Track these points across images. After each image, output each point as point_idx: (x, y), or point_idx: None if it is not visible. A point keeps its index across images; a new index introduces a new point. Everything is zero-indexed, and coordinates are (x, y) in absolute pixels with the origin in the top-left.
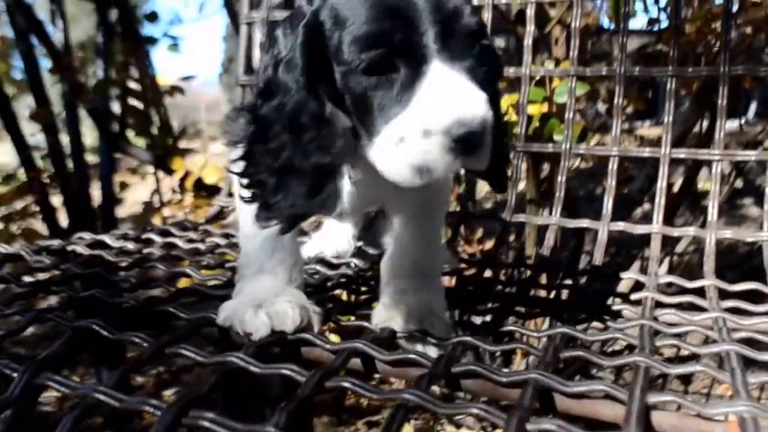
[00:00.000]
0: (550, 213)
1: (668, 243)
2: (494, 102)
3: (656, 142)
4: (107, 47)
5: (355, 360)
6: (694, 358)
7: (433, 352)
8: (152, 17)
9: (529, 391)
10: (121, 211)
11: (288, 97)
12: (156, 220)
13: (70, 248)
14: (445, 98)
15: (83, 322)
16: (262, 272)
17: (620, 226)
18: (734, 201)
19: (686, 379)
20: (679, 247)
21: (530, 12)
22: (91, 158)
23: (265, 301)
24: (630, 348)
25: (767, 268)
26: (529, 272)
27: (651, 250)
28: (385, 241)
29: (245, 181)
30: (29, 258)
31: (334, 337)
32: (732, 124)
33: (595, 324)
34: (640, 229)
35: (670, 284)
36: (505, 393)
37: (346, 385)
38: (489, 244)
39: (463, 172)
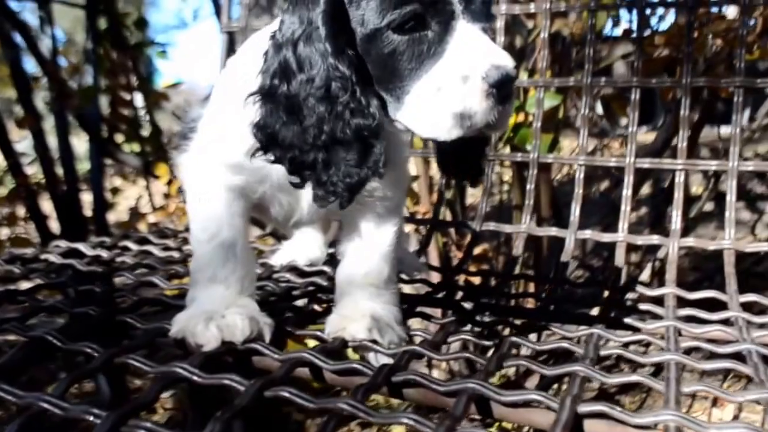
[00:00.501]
0: (538, 224)
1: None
2: None
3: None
4: (96, 54)
5: (304, 369)
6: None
7: (383, 359)
8: (140, 24)
9: (462, 401)
10: (114, 216)
11: (316, 70)
12: (142, 226)
13: (43, 257)
14: (480, 46)
15: (38, 332)
16: (214, 281)
17: (587, 234)
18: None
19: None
20: (661, 253)
21: (500, 24)
22: (82, 164)
23: (215, 313)
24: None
25: (727, 276)
26: (494, 280)
27: (616, 258)
28: (340, 251)
29: (291, 167)
30: (0, 267)
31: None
32: (726, 129)
33: (557, 331)
34: (606, 238)
35: (633, 292)
36: (444, 401)
37: (285, 394)
38: (478, 249)
39: (443, 180)
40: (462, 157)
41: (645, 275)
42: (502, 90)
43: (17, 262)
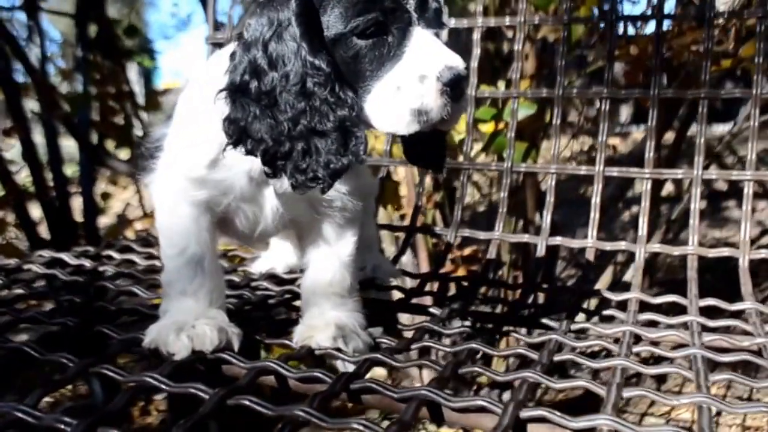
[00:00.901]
0: (525, 228)
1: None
2: None
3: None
4: (86, 61)
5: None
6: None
7: (350, 367)
8: (131, 32)
9: (412, 406)
10: (106, 219)
11: (290, 66)
12: (129, 233)
13: (27, 267)
14: (434, 50)
15: (15, 343)
16: (185, 294)
17: (557, 240)
18: (719, 203)
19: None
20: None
21: (476, 36)
22: (71, 165)
23: (186, 324)
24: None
25: (690, 281)
26: (465, 284)
27: (587, 264)
28: (303, 262)
29: (264, 158)
30: None
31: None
32: (725, 127)
33: (519, 337)
34: (575, 243)
35: (602, 298)
36: (399, 407)
37: (246, 402)
38: (468, 250)
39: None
40: (425, 148)
41: (628, 276)
42: (455, 88)
43: (0, 272)
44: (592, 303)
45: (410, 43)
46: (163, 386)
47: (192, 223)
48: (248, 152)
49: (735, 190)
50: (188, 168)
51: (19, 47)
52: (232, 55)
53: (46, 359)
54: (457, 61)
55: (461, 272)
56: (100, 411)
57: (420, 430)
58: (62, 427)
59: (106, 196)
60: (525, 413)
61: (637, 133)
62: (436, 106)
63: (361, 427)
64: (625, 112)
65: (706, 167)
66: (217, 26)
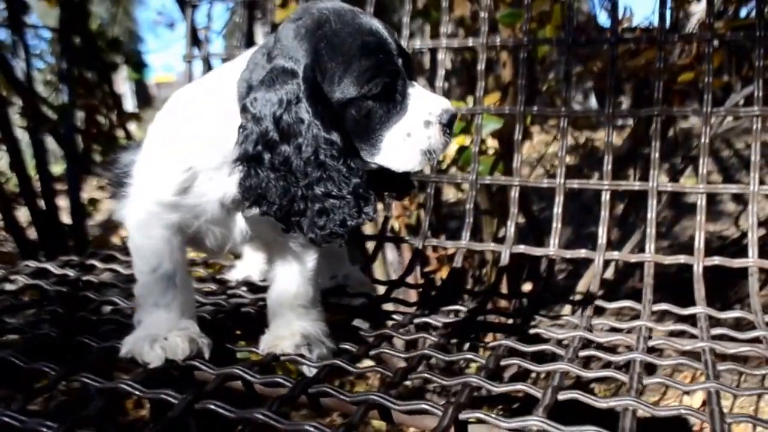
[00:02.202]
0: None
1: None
2: None
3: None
4: (70, 73)
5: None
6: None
7: (313, 373)
8: (115, 45)
9: (361, 409)
10: (94, 221)
11: (302, 139)
12: (116, 239)
13: (12, 277)
14: (430, 99)
15: (1, 353)
16: (158, 307)
17: (521, 248)
18: (713, 197)
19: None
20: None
21: (441, 56)
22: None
23: (159, 336)
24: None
25: (645, 287)
26: (434, 293)
27: (546, 272)
28: (269, 276)
29: (278, 215)
30: None
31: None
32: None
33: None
34: (537, 252)
35: (559, 303)
36: (351, 409)
37: (211, 406)
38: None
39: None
40: (392, 178)
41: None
42: (450, 126)
43: None
44: (553, 309)
45: (410, 96)
46: (137, 392)
47: (164, 244)
48: (264, 213)
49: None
50: (161, 193)
51: (5, 61)
52: (242, 127)
53: (29, 368)
54: (449, 104)
55: (445, 270)
56: (77, 415)
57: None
58: (44, 430)
59: (93, 201)
60: (464, 415)
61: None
62: (439, 144)
63: (312, 429)
64: (625, 104)
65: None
66: (197, 42)
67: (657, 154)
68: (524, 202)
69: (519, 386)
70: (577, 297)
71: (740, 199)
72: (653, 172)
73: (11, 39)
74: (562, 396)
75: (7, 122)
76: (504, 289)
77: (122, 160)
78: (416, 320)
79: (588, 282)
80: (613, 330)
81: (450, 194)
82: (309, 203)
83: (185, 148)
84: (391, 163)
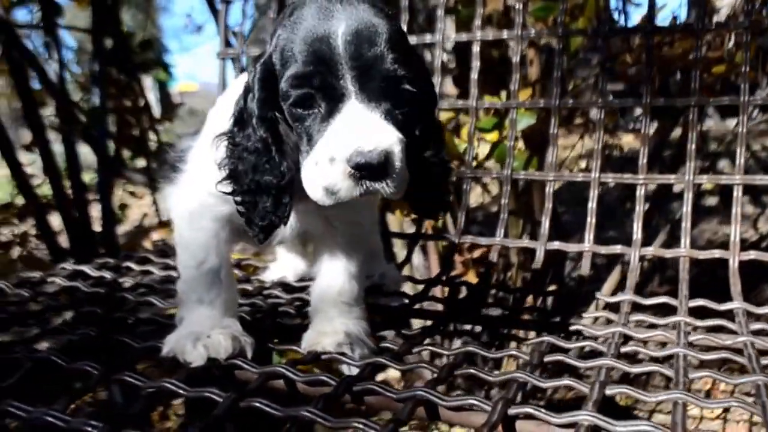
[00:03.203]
0: (533, 230)
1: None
2: (423, 137)
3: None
4: (102, 75)
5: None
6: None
7: (354, 371)
8: (145, 45)
9: (408, 405)
10: (124, 227)
11: (250, 127)
12: (147, 243)
13: (50, 280)
14: (349, 131)
15: (43, 353)
16: (201, 303)
17: (555, 245)
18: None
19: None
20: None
21: (476, 49)
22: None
23: (202, 334)
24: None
25: (680, 282)
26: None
27: (582, 267)
28: (313, 271)
29: (237, 199)
30: (9, 291)
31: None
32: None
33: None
34: (573, 248)
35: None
36: (397, 407)
37: (256, 404)
38: (477, 252)
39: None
40: (425, 201)
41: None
42: (368, 173)
43: (26, 285)
44: (590, 305)
45: (335, 119)
46: (181, 391)
47: (212, 237)
48: (230, 193)
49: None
50: (214, 184)
51: (38, 63)
52: (237, 100)
53: (71, 368)
54: (371, 146)
55: (471, 274)
56: (122, 415)
57: (433, 430)
58: (90, 430)
59: (123, 206)
60: (513, 410)
61: (652, 128)
62: (343, 187)
63: (360, 426)
64: (639, 108)
65: (713, 164)
66: (229, 41)
67: (693, 146)
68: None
69: (566, 381)
70: (611, 294)
71: (758, 202)
72: (689, 164)
73: (44, 41)
74: (610, 391)
75: (40, 126)
76: (536, 287)
77: (180, 144)
78: (456, 318)
79: (615, 280)
80: (652, 326)
81: (471, 198)
82: (247, 195)
83: None
84: (305, 185)
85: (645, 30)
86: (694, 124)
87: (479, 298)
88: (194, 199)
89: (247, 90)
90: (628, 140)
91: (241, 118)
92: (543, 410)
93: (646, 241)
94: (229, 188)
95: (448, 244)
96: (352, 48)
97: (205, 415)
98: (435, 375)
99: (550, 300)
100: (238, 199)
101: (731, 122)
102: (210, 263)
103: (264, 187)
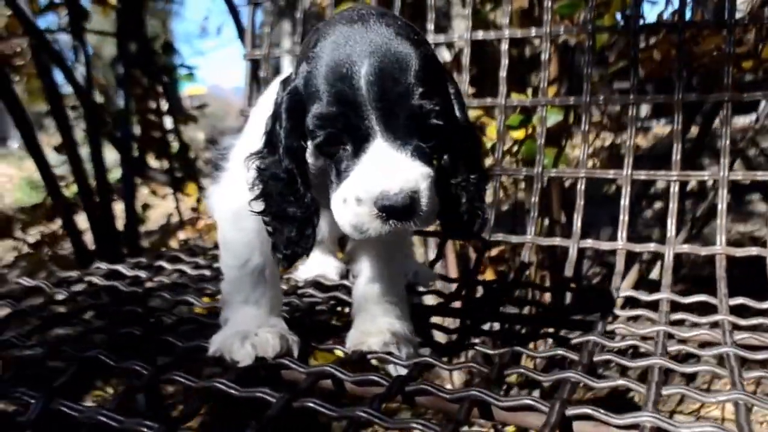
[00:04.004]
0: (551, 228)
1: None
2: (453, 163)
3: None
4: (127, 78)
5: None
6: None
7: (401, 371)
8: (167, 49)
9: (465, 406)
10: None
11: (277, 155)
12: (173, 242)
13: (87, 279)
14: (375, 172)
15: (92, 353)
16: (247, 303)
17: (588, 243)
18: (743, 197)
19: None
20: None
21: (504, 47)
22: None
23: (249, 333)
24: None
25: (719, 280)
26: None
27: (616, 265)
28: (356, 270)
29: (266, 220)
30: (48, 291)
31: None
32: (748, 118)
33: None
34: (605, 246)
35: (630, 298)
36: (451, 407)
37: (310, 405)
38: (495, 251)
39: None
40: (457, 223)
41: (654, 274)
42: (393, 213)
43: (63, 285)
44: (624, 303)
45: (362, 159)
46: (233, 391)
47: (255, 236)
48: (260, 212)
49: (757, 184)
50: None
51: (67, 67)
52: (269, 118)
53: (121, 367)
54: (397, 188)
55: (489, 273)
56: (174, 418)
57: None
58: (145, 430)
59: (146, 207)
60: (571, 411)
61: (658, 127)
62: (372, 227)
63: (420, 427)
64: (645, 107)
65: (730, 164)
66: (255, 43)
67: (727, 141)
68: (567, 202)
69: (621, 381)
70: (654, 292)
71: None
72: (723, 160)
73: (72, 44)
74: (666, 391)
75: (68, 127)
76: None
77: (223, 142)
78: (491, 317)
79: (633, 278)
80: (694, 325)
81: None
82: (273, 220)
83: None
84: (335, 216)
85: (677, 26)
86: (728, 120)
87: (509, 297)
88: (236, 199)
89: (275, 116)
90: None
91: (270, 141)
92: (602, 411)
93: (661, 239)
94: (259, 207)
95: (463, 243)
96: (375, 88)
97: (228, 416)
98: (486, 373)
99: (572, 297)
100: (267, 219)
101: (739, 120)
102: (254, 262)
103: (289, 216)
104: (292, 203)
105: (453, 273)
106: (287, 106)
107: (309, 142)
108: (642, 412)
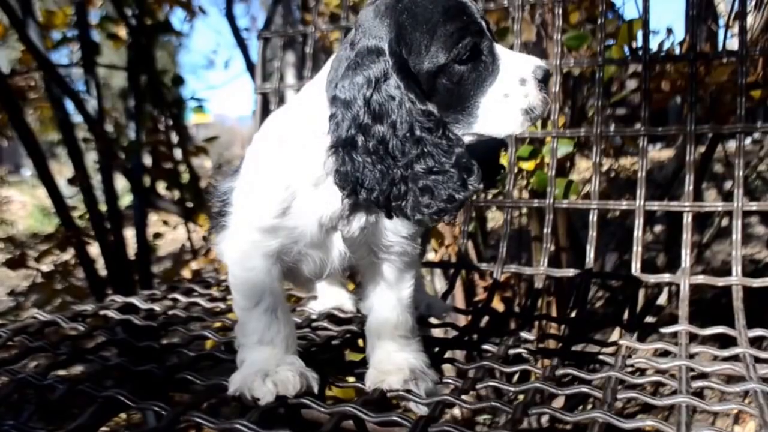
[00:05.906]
0: (557, 254)
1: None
2: None
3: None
4: (138, 111)
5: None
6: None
7: (422, 409)
8: (177, 81)
9: None
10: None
11: (396, 116)
12: (186, 272)
13: (102, 312)
14: (522, 57)
15: (111, 392)
16: (262, 343)
17: (599, 277)
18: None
19: None
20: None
21: None
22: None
23: (269, 371)
24: (594, 402)
25: (736, 312)
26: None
27: (633, 296)
28: (365, 306)
29: (378, 202)
30: (65, 325)
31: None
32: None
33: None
34: (618, 278)
35: (646, 328)
36: None
37: None
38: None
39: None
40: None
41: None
42: (545, 81)
43: (78, 319)
44: (638, 334)
45: (499, 56)
46: None
47: (265, 275)
48: (364, 200)
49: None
50: (261, 218)
51: (80, 101)
52: (332, 116)
53: (140, 407)
54: (539, 60)
55: (496, 301)
56: None
57: None
58: None
59: (157, 236)
60: None
61: (654, 152)
62: (538, 101)
63: None
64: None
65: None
66: (265, 77)
67: (741, 173)
68: (572, 229)
69: (649, 422)
70: (670, 324)
71: None
72: (737, 191)
73: (84, 78)
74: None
75: (79, 156)
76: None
77: (220, 188)
78: (511, 351)
79: (641, 304)
80: (715, 359)
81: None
82: (410, 183)
83: (282, 168)
84: (492, 128)
85: (688, 57)
86: (741, 150)
87: (524, 329)
88: (243, 239)
89: (365, 95)
90: (624, 163)
91: (361, 122)
92: None
93: (668, 265)
94: (358, 197)
95: (468, 271)
96: (472, 1)
97: None
98: (510, 413)
99: (584, 327)
100: (386, 195)
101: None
102: (266, 302)
103: (445, 167)
104: (443, 149)
105: (460, 303)
106: (397, 66)
107: (442, 75)
108: None
